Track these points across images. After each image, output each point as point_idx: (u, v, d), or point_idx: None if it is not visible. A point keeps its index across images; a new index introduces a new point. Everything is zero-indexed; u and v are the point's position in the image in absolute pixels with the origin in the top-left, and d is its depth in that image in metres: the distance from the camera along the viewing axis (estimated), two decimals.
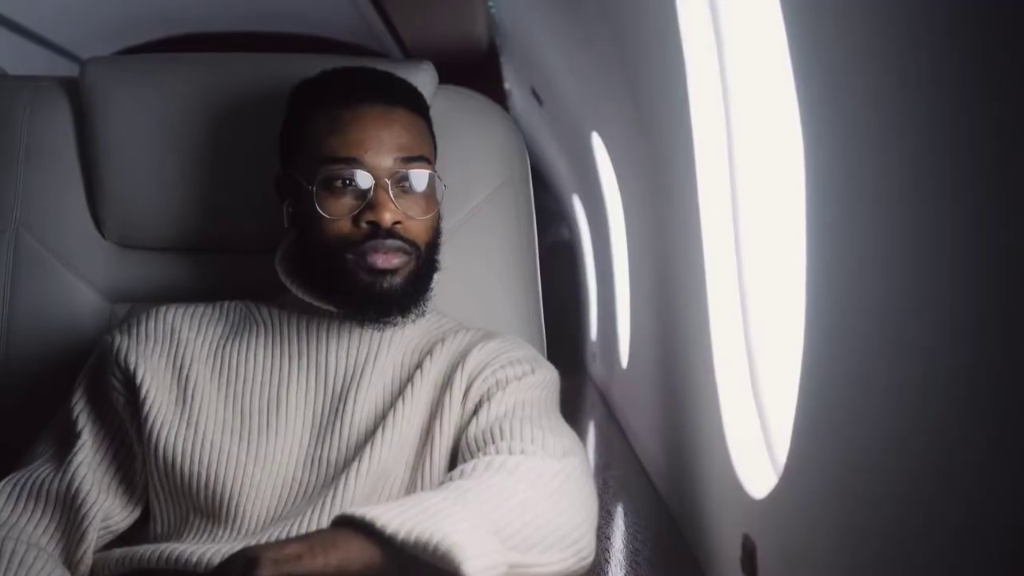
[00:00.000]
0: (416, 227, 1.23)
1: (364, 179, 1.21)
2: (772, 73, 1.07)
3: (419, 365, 1.25)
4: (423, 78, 1.47)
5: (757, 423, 1.11)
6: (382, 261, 1.21)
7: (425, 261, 1.25)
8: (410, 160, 1.23)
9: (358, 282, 1.21)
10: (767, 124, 1.13)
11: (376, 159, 1.21)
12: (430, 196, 1.25)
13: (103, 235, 1.47)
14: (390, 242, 1.21)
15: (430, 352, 1.26)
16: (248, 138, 1.43)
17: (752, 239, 1.20)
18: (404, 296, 1.23)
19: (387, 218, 1.20)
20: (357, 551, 0.98)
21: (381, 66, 1.36)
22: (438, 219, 1.28)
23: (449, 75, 1.53)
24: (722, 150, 1.21)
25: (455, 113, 1.45)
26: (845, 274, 0.76)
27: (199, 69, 1.49)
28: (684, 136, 1.27)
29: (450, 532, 0.97)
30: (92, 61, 1.47)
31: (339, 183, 1.21)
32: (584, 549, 1.11)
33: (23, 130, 1.46)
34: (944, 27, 0.64)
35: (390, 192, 1.21)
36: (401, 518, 0.99)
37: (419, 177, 1.23)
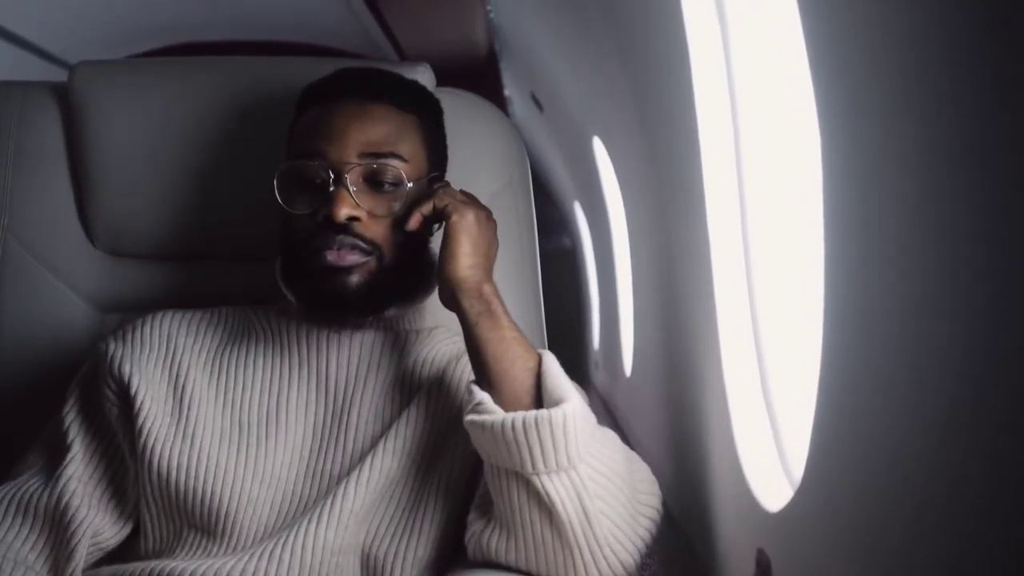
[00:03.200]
0: (380, 226, 1.16)
1: (324, 172, 1.16)
2: (782, 72, 1.03)
3: (431, 376, 1.21)
4: (419, 80, 1.44)
5: (770, 432, 1.08)
6: (333, 258, 1.14)
7: (393, 265, 1.18)
8: (378, 156, 1.17)
9: (311, 280, 1.17)
10: (777, 125, 1.09)
11: (339, 153, 1.16)
12: (399, 196, 1.17)
13: (93, 243, 1.44)
14: (342, 238, 1.14)
15: (445, 364, 1.22)
16: (242, 142, 1.40)
17: (762, 243, 1.16)
18: (357, 299, 1.16)
19: (341, 213, 1.13)
20: (528, 348, 1.11)
21: (377, 67, 1.33)
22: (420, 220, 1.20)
23: (448, 82, 1.50)
24: (730, 150, 1.18)
25: (453, 115, 1.41)
26: (866, 280, 0.73)
27: (191, 73, 1.46)
28: (690, 137, 1.24)
29: (577, 408, 1.04)
30: (82, 65, 1.44)
31: (304, 178, 1.17)
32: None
33: (12, 135, 1.43)
34: (967, 18, 0.61)
35: (350, 187, 1.15)
36: (560, 373, 1.09)
37: (384, 173, 1.17)
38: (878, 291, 0.70)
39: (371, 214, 1.16)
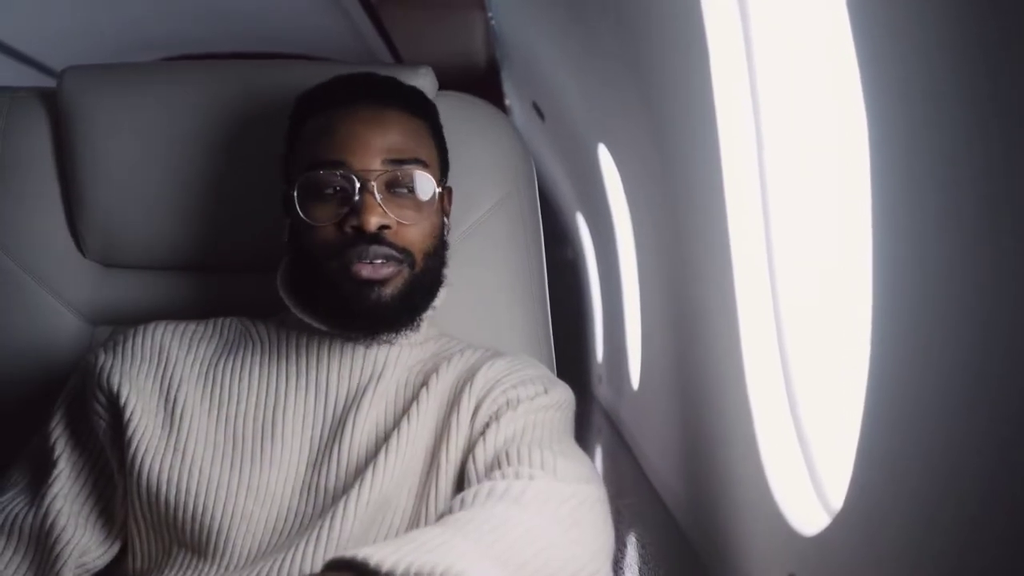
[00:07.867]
0: (409, 233, 1.14)
1: (348, 182, 1.13)
2: (810, 74, 0.99)
3: (424, 384, 1.17)
4: (422, 83, 1.40)
5: (800, 453, 1.02)
6: (368, 271, 1.11)
7: (422, 272, 1.16)
8: (402, 162, 1.15)
9: (342, 294, 1.13)
10: (806, 130, 1.04)
11: (362, 161, 1.13)
12: (427, 201, 1.16)
13: (83, 253, 1.39)
14: (375, 249, 1.12)
15: (435, 371, 1.18)
16: (237, 148, 1.36)
17: (790, 253, 1.11)
18: (394, 311, 1.14)
19: (372, 222, 1.11)
20: None
21: (378, 70, 1.29)
22: (440, 227, 1.20)
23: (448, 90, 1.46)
24: (753, 156, 1.13)
25: (456, 120, 1.37)
26: (920, 295, 0.68)
27: (184, 77, 1.42)
28: (708, 141, 1.19)
29: (453, 563, 0.86)
30: (71, 69, 1.40)
31: (324, 188, 1.14)
32: None
33: None
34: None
35: (377, 196, 1.12)
36: (397, 554, 0.87)
37: (411, 179, 1.15)
38: (933, 306, 0.64)
39: (400, 222, 1.13)
